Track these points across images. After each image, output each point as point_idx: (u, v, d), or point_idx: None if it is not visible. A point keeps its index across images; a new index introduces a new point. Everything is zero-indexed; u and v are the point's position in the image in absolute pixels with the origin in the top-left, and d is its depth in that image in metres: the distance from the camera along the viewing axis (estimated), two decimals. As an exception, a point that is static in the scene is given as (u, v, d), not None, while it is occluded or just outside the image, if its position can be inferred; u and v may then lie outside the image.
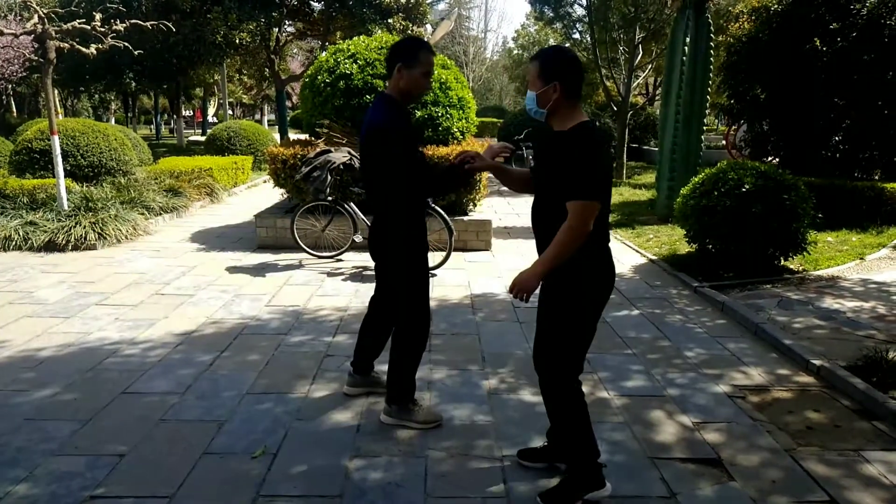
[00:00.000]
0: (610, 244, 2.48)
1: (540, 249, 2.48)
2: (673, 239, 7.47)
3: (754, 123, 10.20)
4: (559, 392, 2.52)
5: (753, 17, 9.55)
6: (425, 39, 16.15)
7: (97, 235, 7.25)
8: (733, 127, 12.44)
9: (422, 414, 3.16)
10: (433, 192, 3.67)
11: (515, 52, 37.79)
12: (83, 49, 8.02)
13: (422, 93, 3.03)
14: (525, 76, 38.06)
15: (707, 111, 9.11)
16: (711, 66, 8.79)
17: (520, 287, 2.38)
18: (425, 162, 3.10)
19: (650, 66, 17.10)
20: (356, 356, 3.46)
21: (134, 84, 23.74)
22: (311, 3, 20.44)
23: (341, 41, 8.04)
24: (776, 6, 9.11)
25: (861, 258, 6.40)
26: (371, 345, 3.41)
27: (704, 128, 9.06)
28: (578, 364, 2.51)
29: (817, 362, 3.82)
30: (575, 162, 2.25)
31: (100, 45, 8.28)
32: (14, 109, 27.45)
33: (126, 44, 8.48)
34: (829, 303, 5.06)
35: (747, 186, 5.60)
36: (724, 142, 16.26)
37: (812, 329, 4.50)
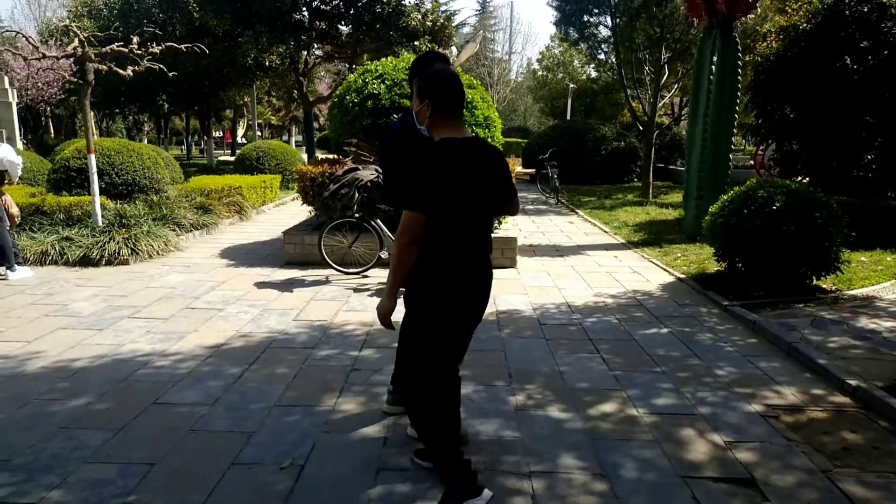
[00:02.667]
0: (478, 252, 2.58)
1: None
2: (701, 257, 7.38)
3: (783, 143, 10.07)
4: (414, 386, 2.73)
5: (781, 37, 9.49)
6: (451, 60, 16.26)
7: (130, 251, 7.41)
8: (761, 146, 12.31)
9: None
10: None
11: (540, 73, 38.01)
12: (120, 71, 8.28)
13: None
14: (551, 97, 38.19)
15: (735, 130, 9.04)
16: (739, 86, 8.74)
17: (379, 313, 2.55)
18: None
19: (676, 86, 17.07)
20: (396, 372, 3.37)
21: (167, 106, 24.43)
22: (339, 26, 20.88)
23: (369, 63, 8.19)
24: (805, 25, 9.04)
25: (897, 278, 6.24)
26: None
27: (732, 147, 8.99)
28: (444, 360, 2.66)
29: (853, 382, 3.72)
30: (413, 171, 2.42)
31: (136, 67, 8.54)
32: (52, 131, 28.34)
33: (161, 66, 8.74)
34: (865, 323, 4.94)
35: (778, 204, 5.53)
36: (751, 161, 16.08)
37: (847, 349, 4.39)
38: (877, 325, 4.89)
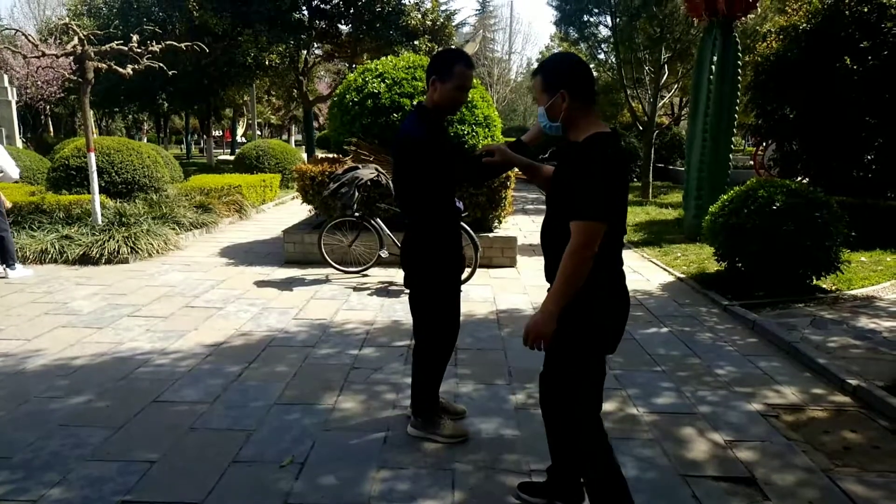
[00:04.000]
0: (623, 269, 2.25)
1: (547, 272, 2.33)
2: (701, 257, 7.38)
3: (783, 143, 10.07)
4: (579, 434, 2.26)
5: (781, 37, 9.49)
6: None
7: (130, 249, 7.41)
8: (761, 146, 12.31)
9: (448, 428, 3.13)
10: (465, 180, 3.46)
11: (540, 73, 37.88)
12: (120, 70, 8.28)
13: (455, 107, 2.90)
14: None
15: (734, 131, 9.05)
16: (739, 86, 8.75)
17: (534, 334, 2.11)
18: (454, 167, 2.98)
19: (676, 86, 17.05)
20: (414, 391, 3.26)
21: (166, 105, 24.39)
22: (339, 25, 20.86)
23: (369, 62, 8.18)
24: (805, 25, 9.04)
25: (897, 278, 6.24)
26: (428, 376, 3.20)
27: (732, 147, 8.99)
28: (597, 400, 2.30)
29: (853, 382, 3.72)
30: (581, 176, 2.05)
31: (136, 66, 8.53)
32: (51, 129, 28.31)
33: (161, 64, 8.73)
34: (865, 322, 4.94)
35: (778, 204, 5.53)
36: (751, 162, 16.09)
37: (847, 348, 4.39)
38: (877, 324, 4.89)
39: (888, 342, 4.50)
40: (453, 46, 20.90)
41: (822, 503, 2.63)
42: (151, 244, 7.68)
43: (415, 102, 7.15)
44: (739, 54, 8.67)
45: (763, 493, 2.70)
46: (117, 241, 7.40)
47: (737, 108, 8.83)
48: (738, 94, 8.83)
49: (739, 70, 8.66)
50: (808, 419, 3.42)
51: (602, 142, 2.07)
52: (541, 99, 2.22)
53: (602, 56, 17.08)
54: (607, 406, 3.55)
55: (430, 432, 3.11)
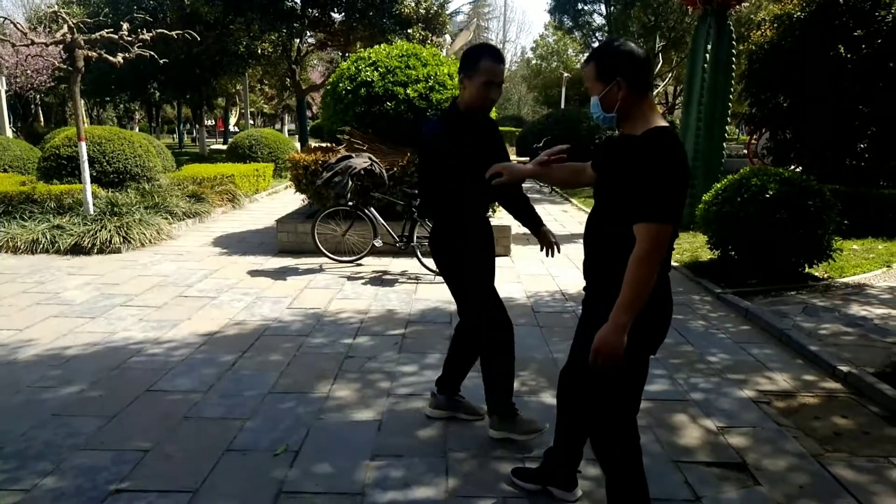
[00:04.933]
0: (668, 286, 2.10)
1: (587, 270, 2.19)
2: (694, 246, 7.41)
3: (777, 131, 10.10)
4: (612, 437, 2.18)
5: (776, 25, 9.48)
6: (445, 50, 16.08)
7: (122, 239, 7.37)
8: (755, 135, 12.32)
9: (524, 424, 2.98)
10: (494, 201, 3.23)
11: (534, 62, 37.86)
12: (110, 58, 8.19)
13: (486, 105, 2.73)
14: (545, 85, 37.98)
15: (728, 119, 9.05)
16: (733, 74, 8.74)
17: (605, 351, 1.93)
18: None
19: (670, 75, 17.05)
20: (443, 372, 3.24)
21: (158, 94, 24.23)
22: (332, 14, 20.70)
23: (362, 51, 8.13)
24: (799, 14, 9.03)
25: (888, 266, 6.29)
26: (458, 363, 3.17)
27: (725, 136, 9.00)
28: (636, 403, 2.19)
29: (844, 368, 3.75)
30: (649, 175, 1.87)
31: (126, 55, 8.44)
32: (41, 119, 28.06)
33: (152, 53, 8.64)
34: (856, 310, 4.97)
35: (771, 192, 5.55)
36: (745, 151, 16.12)
37: (839, 336, 4.42)
38: (868, 312, 4.92)
39: (879, 329, 4.53)
40: (447, 35, 20.82)
41: (813, 488, 2.65)
42: (144, 234, 7.65)
43: (407, 91, 7.14)
44: (734, 43, 8.66)
45: (754, 478, 2.72)
46: (109, 230, 7.36)
47: (731, 96, 8.83)
48: (733, 82, 8.83)
49: (734, 59, 8.66)
50: (800, 405, 3.45)
51: (667, 138, 1.93)
52: (594, 87, 2.06)
53: (596, 44, 17.05)
54: (600, 393, 3.57)
55: (506, 430, 2.97)
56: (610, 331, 1.92)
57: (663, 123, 1.98)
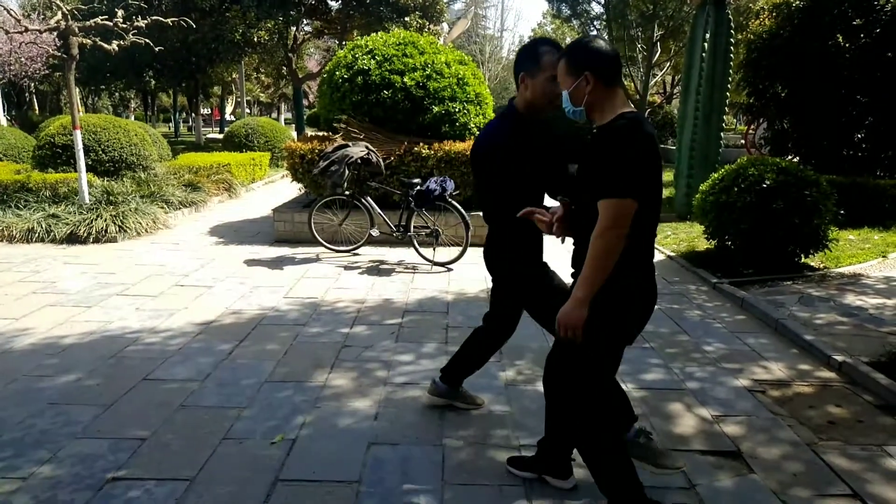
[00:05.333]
0: (653, 261, 2.16)
1: (574, 260, 2.22)
2: (691, 235, 7.41)
3: (774, 121, 10.08)
4: (586, 421, 2.21)
5: (774, 14, 9.44)
6: (442, 38, 15.92)
7: (118, 228, 7.35)
8: (752, 125, 12.30)
9: (660, 456, 2.53)
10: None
11: (532, 51, 37.54)
12: (105, 45, 8.13)
13: (552, 102, 2.51)
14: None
15: (726, 109, 9.03)
16: (731, 63, 8.71)
17: (564, 325, 2.04)
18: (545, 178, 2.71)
19: (668, 64, 17.00)
20: (451, 363, 3.18)
21: (153, 82, 24.07)
22: (329, 1, 20.55)
23: (359, 39, 8.07)
24: (798, 2, 8.99)
25: (884, 256, 6.30)
26: (470, 359, 3.12)
27: (723, 125, 8.98)
28: (609, 390, 2.26)
29: (839, 358, 3.77)
30: (608, 154, 1.97)
31: (121, 42, 8.38)
32: (36, 107, 27.88)
33: (147, 41, 8.58)
34: (851, 300, 4.99)
35: (768, 182, 5.54)
36: (742, 141, 16.11)
37: (834, 325, 4.44)
38: (863, 301, 4.94)
39: (874, 319, 4.55)
40: (445, 23, 20.68)
41: (807, 476, 2.67)
42: (140, 223, 7.63)
43: (404, 79, 7.10)
44: (732, 32, 8.62)
45: (749, 466, 2.74)
46: (105, 219, 7.34)
47: (729, 86, 8.81)
48: (731, 72, 8.80)
49: (732, 48, 8.62)
50: (794, 394, 3.47)
51: (629, 122, 1.99)
52: (564, 82, 2.12)
53: (594, 33, 16.96)
54: (596, 382, 3.58)
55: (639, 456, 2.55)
56: (570, 305, 2.03)
57: (628, 109, 2.05)
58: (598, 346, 2.11)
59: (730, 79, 8.82)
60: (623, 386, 3.49)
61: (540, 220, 2.39)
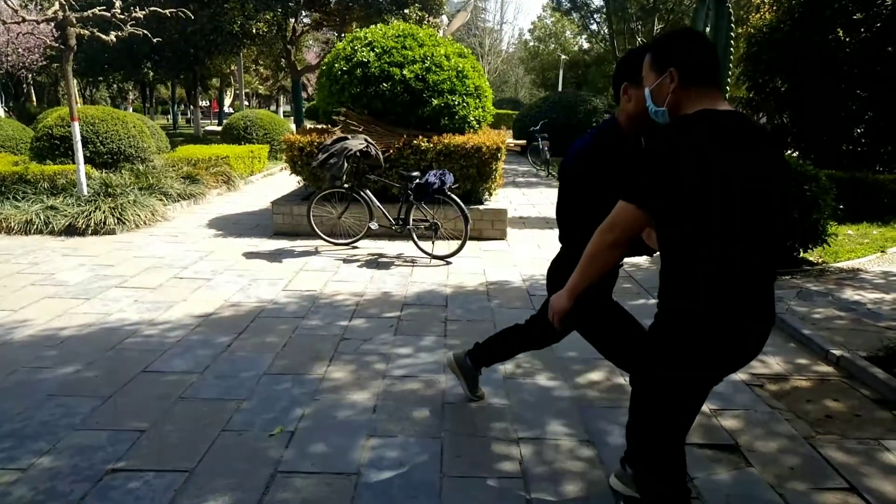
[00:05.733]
0: (740, 304, 1.73)
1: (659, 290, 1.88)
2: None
3: (774, 115, 10.07)
4: (649, 463, 2.01)
5: (775, 8, 9.44)
6: (441, 31, 15.80)
7: (116, 220, 7.33)
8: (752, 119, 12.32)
9: None
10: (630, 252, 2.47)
11: (531, 44, 37.60)
12: (103, 36, 8.09)
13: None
14: (542, 68, 37.69)
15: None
16: (731, 58, 8.68)
17: (551, 309, 2.11)
18: None
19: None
20: (484, 343, 3.10)
21: (151, 74, 23.97)
22: (328, -7, 20.47)
23: (358, 31, 8.03)
24: (799, -4, 8.97)
25: (882, 251, 6.31)
26: (503, 345, 3.03)
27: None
28: (678, 430, 1.95)
29: (837, 352, 3.78)
30: (641, 156, 1.78)
31: (119, 33, 8.34)
32: (34, 98, 27.77)
33: (145, 32, 8.54)
34: (850, 294, 5.00)
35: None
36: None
37: (832, 320, 4.45)
38: (861, 296, 4.95)
39: (872, 314, 4.56)
40: (444, 16, 20.60)
41: (804, 469, 2.68)
42: (138, 215, 7.61)
43: (403, 71, 7.08)
44: (732, 26, 8.58)
45: (746, 459, 2.75)
46: (103, 211, 7.32)
47: (729, 80, 8.78)
48: (731, 66, 8.77)
49: (732, 42, 8.59)
50: (792, 388, 3.48)
51: (681, 122, 1.73)
52: (647, 78, 1.90)
53: (594, 27, 16.93)
54: (594, 376, 3.60)
55: (636, 489, 2.45)
56: (561, 291, 2.07)
57: (704, 108, 1.75)
58: (665, 381, 1.85)
59: (730, 73, 8.79)
60: (621, 379, 3.52)
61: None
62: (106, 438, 2.85)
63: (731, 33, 8.52)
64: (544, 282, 5.47)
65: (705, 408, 3.21)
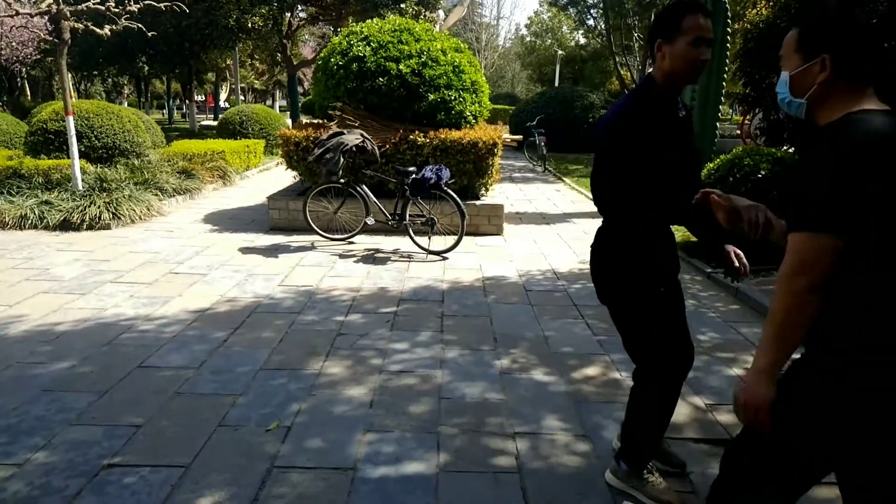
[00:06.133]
0: None
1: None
2: (686, 226, 7.42)
3: (770, 112, 10.07)
4: None
5: (771, 3, 9.43)
6: (438, 25, 15.75)
7: (111, 215, 7.31)
8: (748, 115, 12.30)
9: (655, 489, 2.43)
10: (676, 220, 2.26)
11: (528, 39, 37.54)
12: (97, 30, 8.04)
13: (694, 70, 2.13)
14: (539, 63, 37.57)
15: (722, 99, 9.03)
16: (728, 53, 8.69)
17: (744, 405, 1.50)
18: (682, 174, 2.22)
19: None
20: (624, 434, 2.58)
21: (146, 68, 23.82)
22: (324, -13, 20.38)
23: (354, 25, 8.00)
24: (795, -9, 8.96)
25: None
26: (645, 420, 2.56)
27: (719, 116, 8.97)
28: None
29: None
30: (806, 170, 1.42)
31: (113, 27, 8.29)
32: (28, 93, 27.60)
33: (139, 25, 8.49)
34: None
35: (763, 172, 5.56)
36: (738, 131, 16.10)
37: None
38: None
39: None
40: (441, 10, 20.54)
41: (798, 463, 2.69)
42: (134, 210, 7.58)
43: (399, 66, 7.06)
44: (729, 21, 8.60)
45: (741, 454, 2.76)
46: (98, 206, 7.30)
47: (725, 76, 8.79)
48: (727, 62, 8.78)
49: (728, 37, 8.60)
50: (787, 383, 3.49)
51: (855, 122, 1.39)
52: (789, 61, 1.56)
53: (591, 22, 16.90)
54: (590, 371, 3.60)
55: (632, 486, 2.47)
56: (752, 378, 1.49)
57: (864, 108, 1.43)
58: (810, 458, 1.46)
59: (726, 68, 8.80)
60: (617, 374, 3.53)
61: (718, 204, 1.82)
62: (101, 434, 2.85)
63: (728, 29, 8.53)
64: (541, 277, 5.51)
65: (700, 402, 3.23)
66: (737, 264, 2.36)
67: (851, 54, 1.46)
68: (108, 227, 7.21)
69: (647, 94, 2.17)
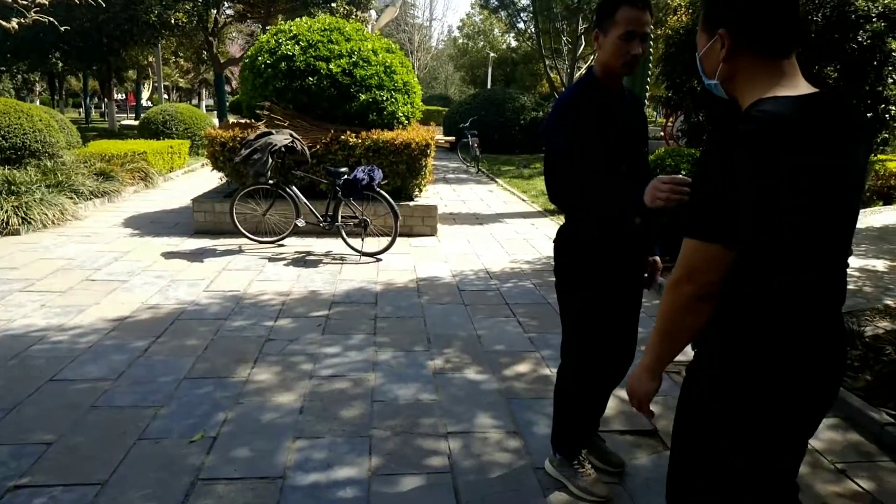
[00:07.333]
0: (813, 335, 1.35)
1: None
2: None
3: (691, 114, 10.53)
4: None
5: (691, 11, 9.85)
6: (370, 26, 15.68)
7: (20, 220, 6.86)
8: (671, 118, 12.83)
9: (585, 481, 2.48)
10: (621, 206, 2.13)
11: (461, 41, 37.84)
12: (4, 23, 7.55)
13: (626, 63, 2.10)
14: (472, 65, 37.86)
15: (646, 102, 9.37)
16: (651, 58, 9.03)
17: (631, 394, 1.60)
18: (622, 160, 2.23)
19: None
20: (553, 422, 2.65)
21: (61, 64, 22.53)
22: (252, -16, 19.86)
23: (283, 24, 7.83)
24: None
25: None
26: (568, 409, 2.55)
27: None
28: None
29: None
30: (703, 173, 1.32)
31: (22, 20, 7.80)
32: (-74, 89, 25.62)
33: (51, 19, 8.03)
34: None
35: (684, 172, 5.79)
36: (661, 133, 16.76)
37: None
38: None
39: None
40: (373, 10, 20.42)
41: (717, 450, 2.82)
42: (46, 214, 7.15)
43: (330, 66, 6.96)
44: (651, 27, 8.93)
45: (664, 443, 2.86)
46: (6, 210, 6.83)
47: (648, 80, 9.13)
48: (651, 66, 9.12)
49: (651, 42, 8.94)
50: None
51: (751, 118, 1.26)
52: (699, 42, 1.46)
53: (521, 25, 17.21)
54: (521, 368, 3.65)
55: (564, 475, 2.54)
56: (639, 371, 1.57)
57: (786, 93, 1.29)
58: (732, 462, 1.43)
59: (650, 73, 9.14)
60: (547, 370, 3.59)
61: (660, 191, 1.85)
62: (7, 453, 2.66)
63: (651, 35, 8.86)
64: (474, 277, 5.55)
65: (625, 396, 3.32)
66: (645, 274, 2.48)
67: (749, 26, 1.33)
68: (17, 232, 6.76)
69: (583, 82, 2.22)
